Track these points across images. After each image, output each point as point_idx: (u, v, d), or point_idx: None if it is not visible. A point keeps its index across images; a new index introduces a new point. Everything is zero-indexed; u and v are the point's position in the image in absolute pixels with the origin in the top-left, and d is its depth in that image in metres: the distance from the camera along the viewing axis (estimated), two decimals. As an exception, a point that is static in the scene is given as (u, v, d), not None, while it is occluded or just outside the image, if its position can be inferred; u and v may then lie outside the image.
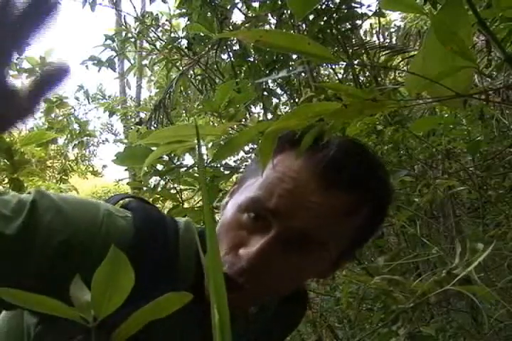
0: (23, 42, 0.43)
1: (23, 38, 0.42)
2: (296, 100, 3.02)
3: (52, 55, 3.39)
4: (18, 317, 0.72)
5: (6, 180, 1.85)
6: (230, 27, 2.92)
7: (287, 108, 3.35)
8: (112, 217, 0.70)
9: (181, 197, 1.82)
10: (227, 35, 3.01)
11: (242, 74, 2.98)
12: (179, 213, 1.60)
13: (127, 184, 2.45)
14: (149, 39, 3.75)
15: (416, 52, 0.65)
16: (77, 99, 7.92)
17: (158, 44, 3.72)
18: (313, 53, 0.51)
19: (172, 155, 1.70)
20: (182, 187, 1.83)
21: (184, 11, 3.10)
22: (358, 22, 2.89)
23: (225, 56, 3.18)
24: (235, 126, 1.74)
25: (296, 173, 0.70)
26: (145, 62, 5.02)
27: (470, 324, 1.97)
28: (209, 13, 2.94)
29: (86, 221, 0.67)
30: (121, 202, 0.78)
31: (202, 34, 3.05)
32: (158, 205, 1.92)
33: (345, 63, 3.57)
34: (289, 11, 2.69)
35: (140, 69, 6.53)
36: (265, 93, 3.01)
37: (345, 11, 2.68)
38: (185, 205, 1.84)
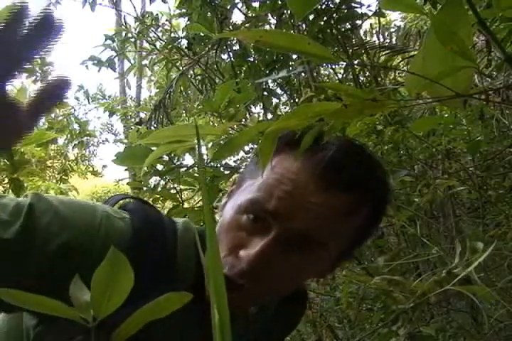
0: (23, 62, 0.43)
1: (24, 59, 0.42)
2: (296, 100, 3.02)
3: (52, 55, 3.39)
4: (17, 318, 0.72)
5: (6, 180, 1.85)
6: (230, 27, 2.92)
7: (287, 108, 3.35)
8: (110, 218, 0.70)
9: (181, 197, 1.82)
10: (227, 35, 3.01)
11: (242, 74, 2.98)
12: (179, 213, 1.60)
13: (127, 184, 2.45)
14: (149, 39, 3.75)
15: (416, 52, 0.65)
16: (77, 99, 7.94)
17: (158, 44, 3.72)
18: (313, 53, 0.51)
19: (172, 155, 1.70)
20: (182, 187, 1.83)
21: (184, 11, 3.10)
22: (358, 22, 2.89)
23: (225, 56, 3.18)
24: (235, 126, 1.73)
25: (294, 174, 0.70)
26: (145, 62, 5.02)
27: (470, 324, 1.97)
28: (209, 13, 2.94)
29: (84, 223, 0.67)
30: (120, 202, 0.79)
31: (202, 34, 3.05)
32: (158, 205, 1.92)
33: (345, 63, 3.57)
34: (289, 11, 2.69)
35: (140, 69, 6.54)
36: (265, 93, 3.01)
37: (345, 11, 2.68)
38: (185, 205, 1.83)
